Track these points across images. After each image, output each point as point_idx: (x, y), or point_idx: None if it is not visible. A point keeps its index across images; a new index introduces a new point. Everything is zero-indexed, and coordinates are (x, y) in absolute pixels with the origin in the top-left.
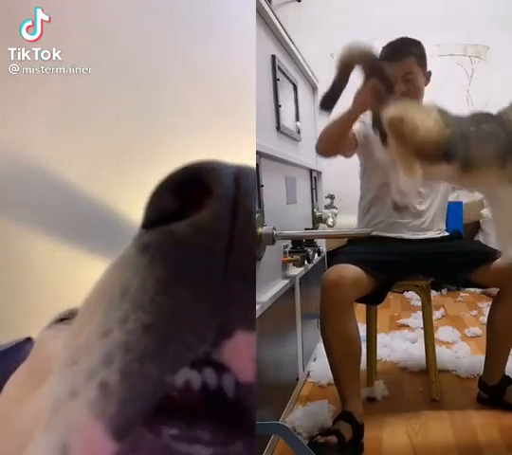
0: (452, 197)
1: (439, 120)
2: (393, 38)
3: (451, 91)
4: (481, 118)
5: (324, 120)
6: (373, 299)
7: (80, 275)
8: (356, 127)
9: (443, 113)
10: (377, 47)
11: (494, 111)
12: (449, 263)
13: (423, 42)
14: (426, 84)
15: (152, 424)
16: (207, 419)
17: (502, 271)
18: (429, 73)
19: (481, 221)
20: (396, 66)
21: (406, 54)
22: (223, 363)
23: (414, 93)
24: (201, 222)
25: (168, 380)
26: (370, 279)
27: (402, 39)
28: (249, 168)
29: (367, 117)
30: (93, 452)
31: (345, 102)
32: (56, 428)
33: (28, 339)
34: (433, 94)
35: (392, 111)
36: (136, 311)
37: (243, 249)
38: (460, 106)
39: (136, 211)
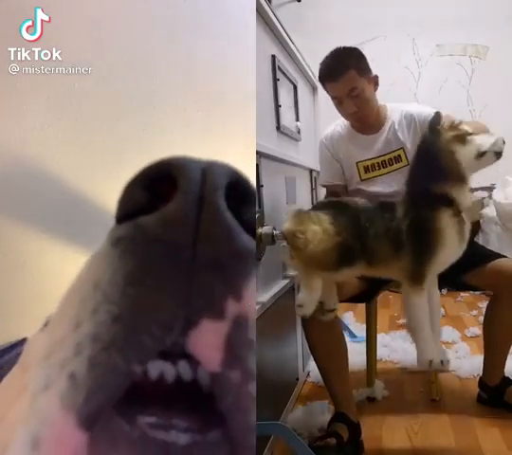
0: None
1: (329, 230)
2: (388, 39)
3: (451, 91)
4: (376, 213)
5: (324, 120)
6: (361, 298)
7: (75, 274)
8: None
9: (337, 218)
10: (377, 47)
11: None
12: None
13: (423, 42)
14: (375, 89)
15: (127, 414)
16: (182, 408)
17: (496, 274)
18: (376, 77)
19: (481, 221)
20: (337, 86)
21: (343, 70)
22: (191, 353)
23: (365, 107)
24: (167, 215)
25: (135, 370)
26: (357, 280)
27: (335, 52)
28: (220, 164)
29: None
30: (63, 443)
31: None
32: (29, 421)
33: (25, 340)
34: (433, 94)
35: (286, 226)
36: (106, 302)
37: (209, 242)
38: (460, 106)
39: None
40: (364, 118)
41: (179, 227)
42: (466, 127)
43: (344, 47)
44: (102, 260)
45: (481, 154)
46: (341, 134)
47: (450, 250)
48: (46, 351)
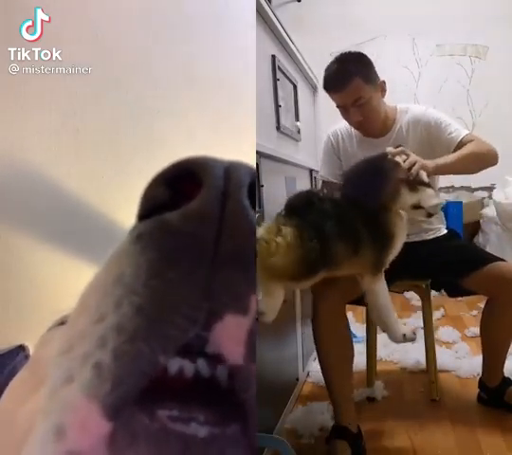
0: (452, 197)
1: (293, 245)
2: (392, 38)
3: (451, 91)
4: (338, 216)
5: (324, 120)
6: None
7: (76, 281)
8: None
9: (303, 228)
10: (377, 47)
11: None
12: (437, 268)
13: (423, 42)
14: (383, 96)
15: (147, 407)
16: (201, 402)
17: (491, 278)
18: (383, 83)
19: (481, 221)
20: (342, 96)
21: (348, 79)
22: (213, 347)
23: (371, 115)
24: (191, 211)
25: (160, 359)
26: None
27: (339, 59)
28: (241, 163)
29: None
30: (87, 432)
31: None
32: (51, 411)
33: (20, 347)
34: (433, 94)
35: (258, 232)
36: (128, 295)
37: (233, 237)
38: (460, 106)
39: (134, 219)
40: (370, 125)
41: (203, 221)
42: (424, 176)
43: (349, 53)
44: (123, 256)
45: (416, 207)
46: (349, 132)
47: (402, 237)
48: (66, 345)
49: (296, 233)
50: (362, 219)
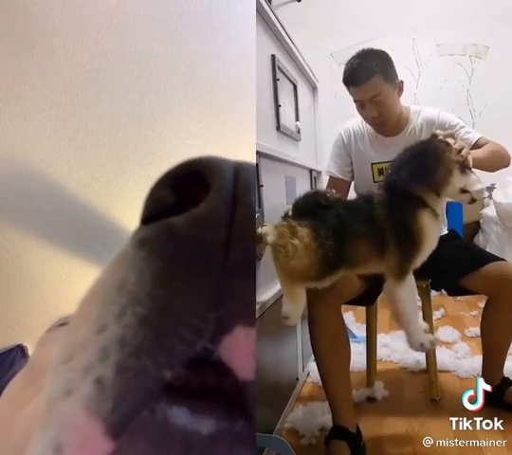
0: None
1: (310, 246)
2: (398, 37)
3: (451, 91)
4: (356, 215)
5: (325, 120)
6: (364, 300)
7: (75, 282)
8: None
9: (318, 228)
10: (377, 47)
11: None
12: (438, 268)
13: (423, 42)
14: (399, 95)
15: (148, 402)
16: (207, 402)
17: (491, 278)
18: (402, 82)
19: (481, 221)
20: (361, 91)
21: (368, 75)
22: (222, 361)
23: (387, 113)
24: (199, 215)
25: (165, 375)
26: (358, 281)
27: (362, 54)
28: (250, 163)
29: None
30: (87, 452)
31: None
32: (50, 427)
33: (20, 347)
34: (433, 94)
35: (269, 238)
36: (132, 305)
37: (242, 243)
38: (460, 106)
39: (133, 220)
40: (384, 123)
41: (212, 226)
42: (471, 162)
43: (372, 50)
44: (126, 261)
45: (463, 191)
46: (362, 130)
47: (431, 245)
48: (66, 353)
49: (312, 234)
50: (392, 221)
